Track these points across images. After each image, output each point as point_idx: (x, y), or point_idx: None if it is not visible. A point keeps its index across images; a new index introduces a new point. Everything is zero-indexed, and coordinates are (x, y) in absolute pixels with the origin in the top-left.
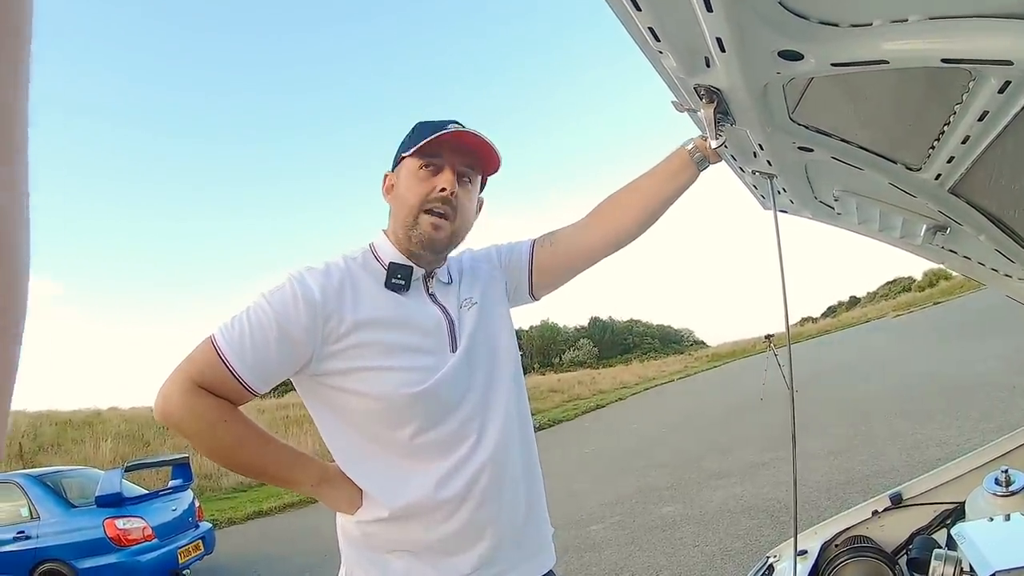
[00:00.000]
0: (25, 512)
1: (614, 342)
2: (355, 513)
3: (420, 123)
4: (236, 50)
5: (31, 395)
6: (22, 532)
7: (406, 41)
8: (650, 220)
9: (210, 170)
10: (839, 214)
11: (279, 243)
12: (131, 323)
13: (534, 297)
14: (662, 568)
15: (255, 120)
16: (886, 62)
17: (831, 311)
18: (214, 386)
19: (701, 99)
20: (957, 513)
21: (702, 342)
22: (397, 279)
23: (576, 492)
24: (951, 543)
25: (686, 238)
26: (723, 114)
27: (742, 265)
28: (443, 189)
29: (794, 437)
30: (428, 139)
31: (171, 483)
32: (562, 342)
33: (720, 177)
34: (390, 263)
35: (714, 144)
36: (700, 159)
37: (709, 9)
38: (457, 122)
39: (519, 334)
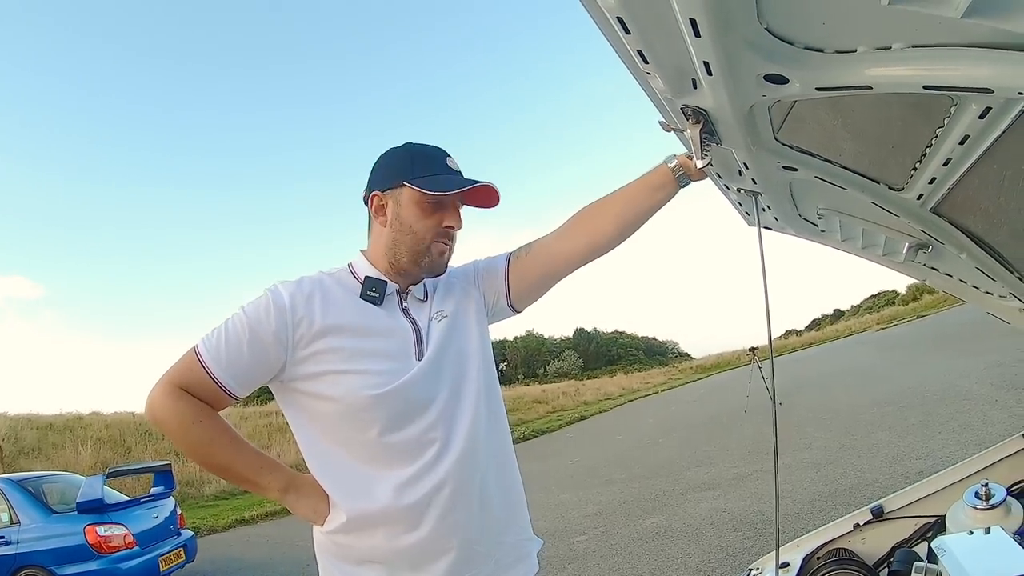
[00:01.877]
0: (5, 517)
1: (599, 353)
2: (322, 524)
3: (415, 150)
4: (223, 47)
5: (12, 398)
6: (2, 537)
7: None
8: (626, 232)
9: (201, 175)
10: (823, 231)
11: (269, 251)
12: (114, 327)
13: (515, 309)
14: None
15: (247, 127)
16: (869, 88)
17: (815, 324)
18: (194, 388)
19: (688, 119)
20: (938, 526)
21: (687, 354)
22: (372, 292)
23: (560, 503)
24: (932, 556)
25: (671, 250)
26: (709, 134)
27: (727, 279)
28: (450, 226)
29: (776, 451)
30: (447, 192)
31: (153, 490)
32: (547, 353)
33: (705, 192)
34: (365, 277)
35: (699, 164)
36: (682, 176)
37: (697, 34)
38: (449, 155)
39: (503, 345)
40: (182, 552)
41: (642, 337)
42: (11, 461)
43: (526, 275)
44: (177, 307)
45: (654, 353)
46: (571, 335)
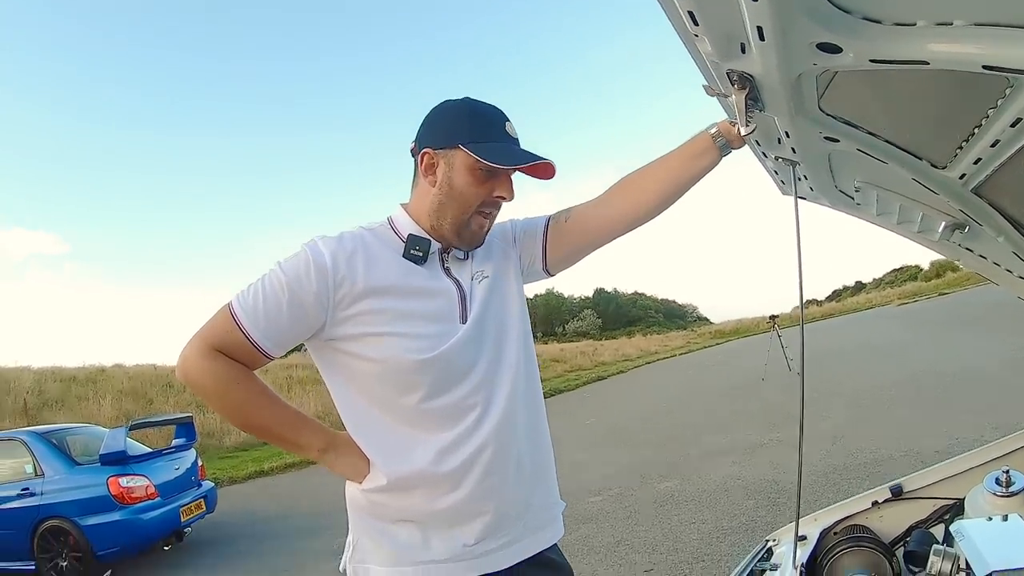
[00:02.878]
0: (30, 469)
1: (618, 314)
2: (361, 482)
3: (475, 110)
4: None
5: (36, 352)
6: (26, 489)
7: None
8: (667, 202)
9: (225, 123)
10: (859, 204)
11: (296, 203)
12: (137, 281)
13: (549, 273)
14: (659, 544)
15: (275, 75)
16: (926, 63)
17: (836, 295)
18: (230, 349)
19: (733, 84)
20: (956, 509)
21: (705, 319)
22: (415, 251)
23: (576, 463)
24: (949, 539)
25: (694, 214)
26: (753, 100)
27: (748, 244)
28: (501, 196)
29: (802, 426)
30: (505, 167)
31: (175, 442)
32: (566, 312)
33: (735, 158)
34: (409, 235)
35: (744, 131)
36: (723, 143)
37: None
38: (508, 119)
39: None
40: (202, 503)
41: (661, 300)
42: (35, 413)
43: (564, 241)
44: (200, 259)
45: (673, 316)
46: (591, 295)
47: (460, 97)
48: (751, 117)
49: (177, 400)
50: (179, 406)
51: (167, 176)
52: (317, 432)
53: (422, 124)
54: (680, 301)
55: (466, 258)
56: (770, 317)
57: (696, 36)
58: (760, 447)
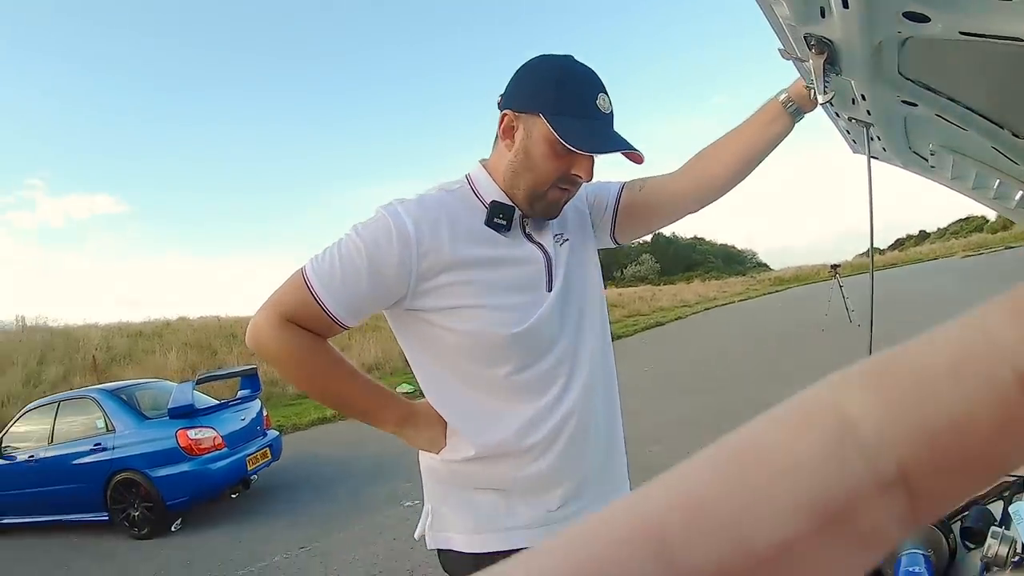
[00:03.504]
0: (101, 425)
1: (677, 259)
2: (439, 453)
3: (566, 75)
4: None
5: (102, 309)
6: (98, 444)
7: None
8: (742, 172)
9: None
10: (932, 167)
11: (357, 163)
12: (194, 239)
13: (615, 241)
14: None
15: (343, 31)
16: (1020, 40)
17: (899, 244)
18: (303, 319)
19: (810, 49)
20: (1017, 487)
21: (765, 265)
22: (499, 219)
23: (633, 410)
24: (1006, 519)
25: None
26: (830, 64)
27: (810, 190)
28: (578, 175)
29: None
30: (583, 152)
31: (240, 393)
32: (624, 256)
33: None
34: (492, 201)
35: (821, 99)
36: (795, 109)
37: None
38: (603, 91)
39: None
40: (268, 452)
41: (720, 245)
42: (104, 368)
43: (635, 210)
44: (262, 217)
45: (732, 262)
46: (649, 239)
47: (560, 54)
48: (828, 82)
49: (241, 351)
50: (243, 356)
51: (225, 136)
52: (394, 404)
53: (511, 78)
54: (739, 247)
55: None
56: (832, 267)
57: (774, 1)
58: None
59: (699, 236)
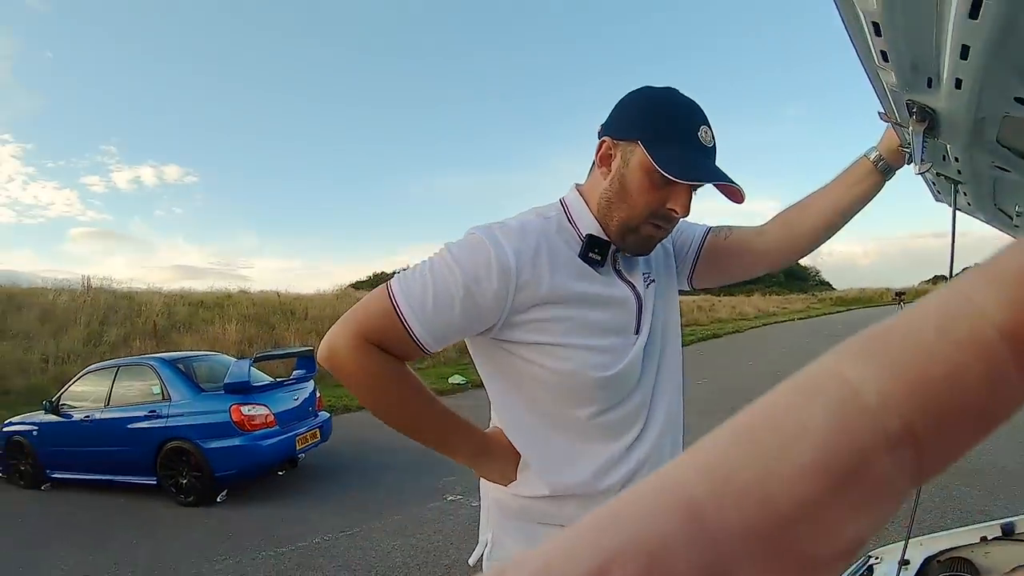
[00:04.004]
0: (157, 392)
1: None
2: (509, 486)
3: (668, 105)
4: None
5: (166, 275)
6: (154, 411)
7: None
8: (828, 232)
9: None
10: (1016, 226)
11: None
12: (259, 213)
13: (691, 284)
14: None
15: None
16: None
17: (965, 271)
18: (385, 342)
19: (912, 115)
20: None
21: (828, 283)
22: (595, 253)
23: (687, 426)
24: None
25: (823, 173)
26: (929, 131)
27: (880, 212)
28: (674, 210)
29: None
30: (682, 182)
31: (295, 372)
32: None
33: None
34: (588, 235)
35: (917, 170)
36: (885, 167)
37: (963, 57)
38: (705, 124)
39: None
40: (318, 432)
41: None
42: (164, 334)
43: (716, 258)
44: (326, 192)
45: (795, 278)
46: None
47: (663, 86)
48: (925, 147)
49: (298, 327)
50: (299, 334)
51: (298, 119)
52: (467, 436)
53: (613, 108)
54: (803, 263)
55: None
56: (896, 294)
57: (881, 69)
58: None
59: None
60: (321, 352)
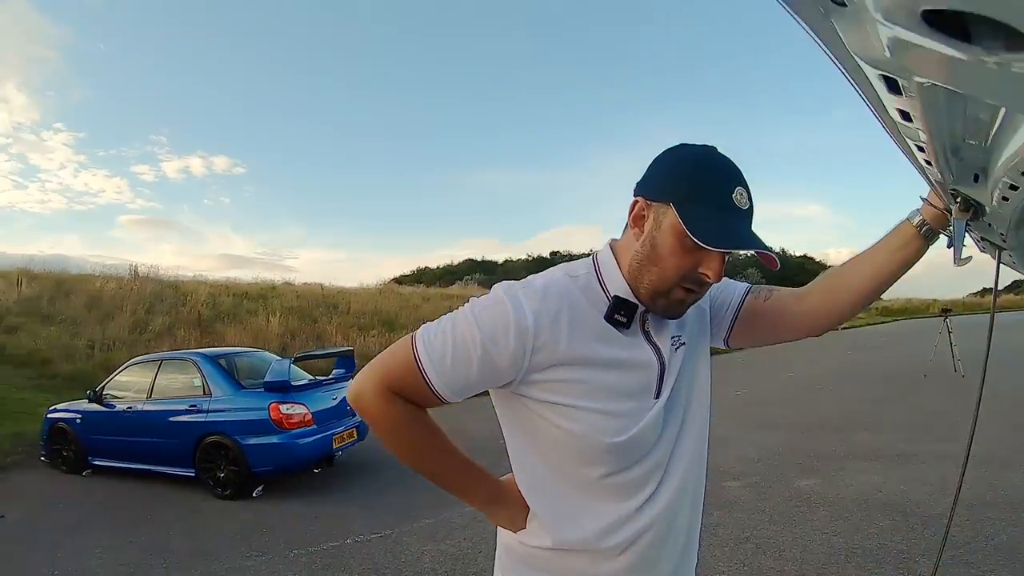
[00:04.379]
0: (198, 386)
1: (784, 276)
2: (517, 533)
3: (702, 166)
4: None
5: (212, 265)
6: (194, 405)
7: None
8: (869, 298)
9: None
10: None
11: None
12: (307, 211)
13: (727, 343)
14: (786, 550)
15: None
16: None
17: (1017, 285)
18: (406, 391)
19: (956, 203)
20: None
21: None
22: (620, 315)
23: (719, 438)
24: None
25: (874, 177)
26: (974, 218)
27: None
28: (706, 275)
29: (958, 492)
30: (712, 248)
31: (335, 372)
32: (730, 268)
33: None
34: (615, 296)
35: (956, 264)
36: (928, 232)
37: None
38: (741, 185)
39: None
40: (355, 432)
41: (830, 266)
42: (208, 325)
43: (755, 320)
44: (367, 193)
45: None
46: (756, 253)
47: (701, 144)
48: (970, 230)
49: (340, 321)
50: (341, 328)
51: (348, 110)
52: (482, 482)
53: (650, 165)
54: None
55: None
56: (942, 310)
57: (928, 164)
58: (908, 458)
59: (809, 255)
60: (349, 394)
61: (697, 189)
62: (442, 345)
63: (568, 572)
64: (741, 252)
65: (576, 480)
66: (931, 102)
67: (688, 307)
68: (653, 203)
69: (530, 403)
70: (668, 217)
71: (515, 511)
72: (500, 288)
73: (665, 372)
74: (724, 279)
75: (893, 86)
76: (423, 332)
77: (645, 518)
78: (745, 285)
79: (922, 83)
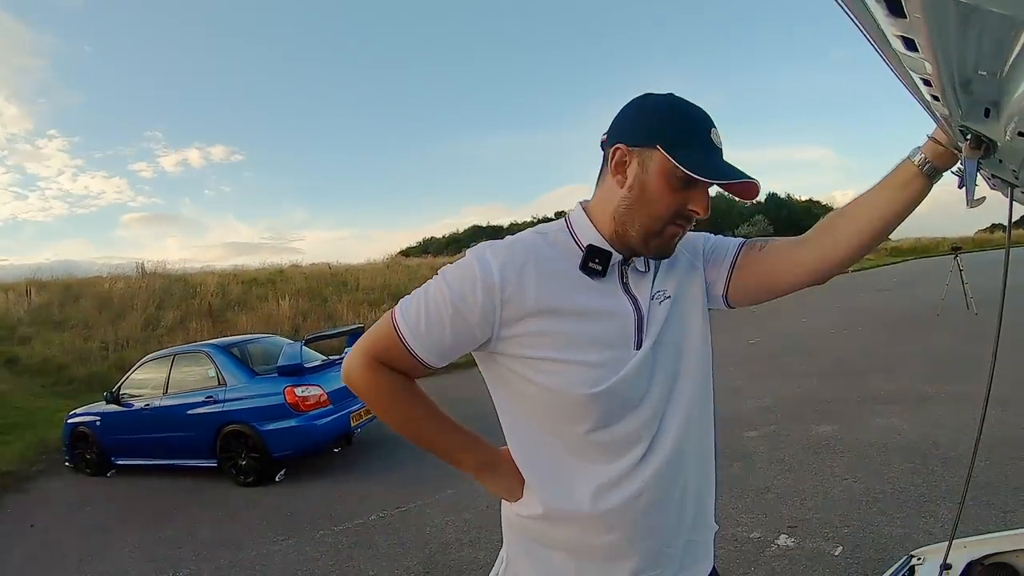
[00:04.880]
0: (213, 377)
1: (791, 222)
2: (515, 503)
3: (680, 110)
4: None
5: (219, 254)
6: (211, 396)
7: None
8: (871, 243)
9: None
10: None
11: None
12: (308, 193)
13: (728, 303)
14: (807, 498)
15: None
16: None
17: None
18: (392, 360)
19: (966, 140)
20: None
21: None
22: (594, 263)
23: (735, 389)
24: None
25: (875, 118)
26: (985, 155)
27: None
28: (695, 211)
29: (976, 448)
30: (708, 180)
31: (346, 350)
32: (736, 215)
33: None
34: (588, 245)
35: (969, 206)
36: (931, 170)
37: None
38: (714, 126)
39: None
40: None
41: (836, 209)
42: (219, 313)
43: (753, 271)
44: (361, 165)
45: None
46: (763, 199)
47: (663, 93)
48: (980, 171)
49: (350, 299)
50: (352, 305)
51: (342, 92)
52: (474, 449)
53: (617, 116)
54: None
55: (647, 270)
56: (952, 248)
57: (935, 97)
58: (926, 399)
59: (815, 199)
60: (342, 373)
61: (681, 131)
62: (416, 311)
63: (564, 543)
64: (743, 200)
65: (563, 440)
66: (938, 23)
67: (677, 242)
68: (636, 148)
69: (508, 361)
70: (655, 160)
71: (510, 480)
72: (469, 250)
73: (645, 322)
74: (719, 236)
75: (895, 6)
76: (401, 302)
77: (639, 479)
78: (739, 240)
79: None
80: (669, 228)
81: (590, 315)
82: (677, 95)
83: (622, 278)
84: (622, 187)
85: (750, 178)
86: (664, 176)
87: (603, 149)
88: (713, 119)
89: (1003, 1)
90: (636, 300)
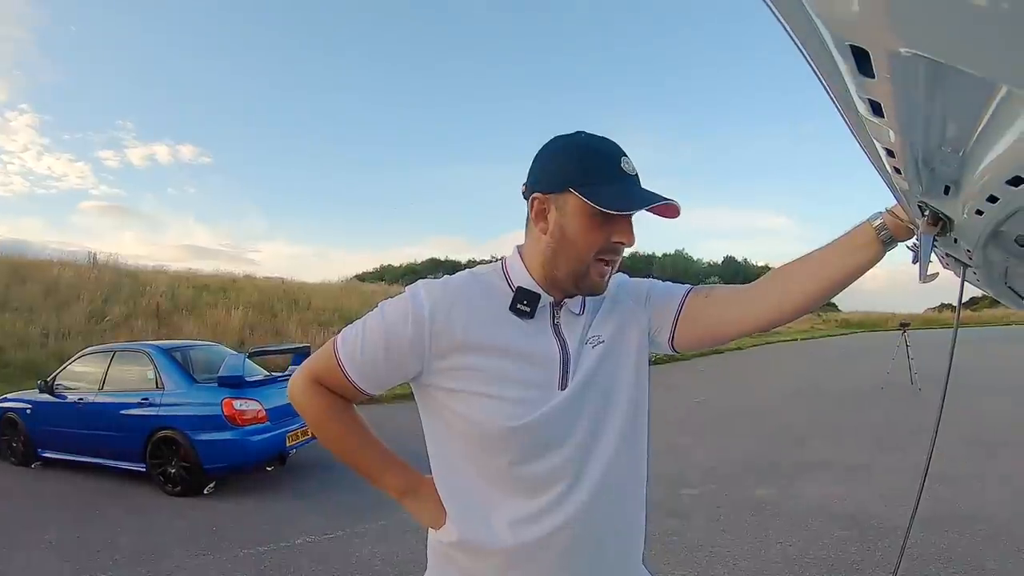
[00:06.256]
0: (151, 379)
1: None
2: (437, 529)
3: (586, 149)
4: None
5: (173, 254)
6: (146, 399)
7: None
8: (819, 300)
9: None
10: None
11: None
12: (272, 196)
13: (673, 347)
14: (740, 559)
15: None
16: None
17: (973, 302)
18: (331, 384)
19: (923, 216)
20: None
21: (833, 304)
22: (523, 305)
23: (676, 447)
24: None
25: (830, 192)
26: (942, 233)
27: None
28: (620, 242)
29: (915, 512)
30: (621, 212)
31: (290, 368)
32: (692, 275)
33: None
34: (518, 287)
35: (921, 280)
36: (888, 238)
37: (1016, 183)
38: (624, 155)
39: (651, 259)
40: (308, 430)
41: (788, 262)
42: (166, 316)
43: (699, 318)
44: (326, 184)
45: None
46: (720, 261)
47: (571, 132)
48: (935, 248)
49: (300, 317)
50: (301, 323)
51: (317, 105)
52: (399, 474)
53: (532, 164)
54: None
55: (580, 313)
56: (900, 324)
57: (896, 171)
58: (864, 469)
59: (771, 265)
60: (287, 392)
61: (589, 169)
62: (354, 340)
63: (477, 574)
64: (669, 218)
65: (485, 471)
66: (906, 86)
67: (608, 278)
68: (551, 195)
69: (437, 394)
70: (570, 202)
71: (434, 507)
72: (408, 287)
73: (571, 364)
74: (666, 283)
75: (863, 63)
76: (344, 330)
77: (559, 516)
78: (686, 286)
79: (897, 55)
80: (596, 266)
81: (515, 354)
82: (586, 132)
83: (553, 320)
84: (545, 234)
85: (667, 200)
86: (582, 216)
87: (525, 199)
88: (654, 163)
89: (975, 61)
90: (565, 342)
